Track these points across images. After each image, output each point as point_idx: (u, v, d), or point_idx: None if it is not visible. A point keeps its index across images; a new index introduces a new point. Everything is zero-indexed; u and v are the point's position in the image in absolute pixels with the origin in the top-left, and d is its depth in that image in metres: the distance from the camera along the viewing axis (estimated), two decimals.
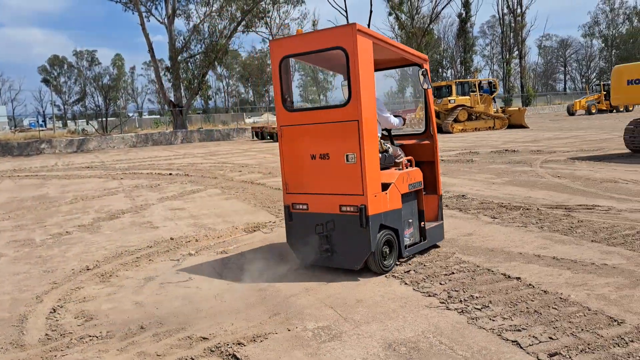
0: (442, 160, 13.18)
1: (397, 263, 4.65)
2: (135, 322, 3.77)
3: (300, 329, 3.47)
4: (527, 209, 6.63)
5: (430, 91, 5.12)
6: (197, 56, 35.04)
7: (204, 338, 3.42)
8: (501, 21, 61.75)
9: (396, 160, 4.89)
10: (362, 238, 4.16)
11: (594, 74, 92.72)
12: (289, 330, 3.47)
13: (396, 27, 53.01)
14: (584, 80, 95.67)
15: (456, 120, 27.14)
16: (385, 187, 4.34)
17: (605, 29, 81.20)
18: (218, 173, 13.32)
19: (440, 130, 27.09)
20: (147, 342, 3.43)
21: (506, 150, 14.74)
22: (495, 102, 29.63)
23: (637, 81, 11.03)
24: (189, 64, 35.21)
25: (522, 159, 12.30)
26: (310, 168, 4.32)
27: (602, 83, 39.80)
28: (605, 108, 38.54)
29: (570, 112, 38.91)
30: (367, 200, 4.10)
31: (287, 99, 4.47)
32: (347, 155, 4.13)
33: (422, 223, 4.79)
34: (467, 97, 28.02)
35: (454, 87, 28.07)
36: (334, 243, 4.32)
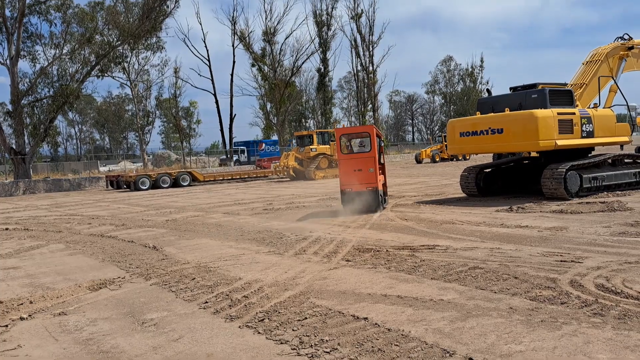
0: (303, 206, 13.51)
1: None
2: None
3: None
4: (378, 250, 6.98)
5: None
6: (45, 100, 32.32)
7: None
8: (355, 77, 66.68)
9: None
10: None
11: (437, 126, 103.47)
12: None
13: (259, 77, 54.52)
14: (428, 131, 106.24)
15: (318, 168, 28.15)
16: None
17: (444, 87, 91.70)
18: (64, 226, 12.16)
19: (303, 177, 27.85)
20: None
21: None
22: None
23: (467, 133, 12.27)
24: (35, 108, 32.31)
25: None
26: (354, 173, 11.24)
27: (443, 134, 44.37)
28: (446, 157, 42.70)
29: (418, 160, 42.51)
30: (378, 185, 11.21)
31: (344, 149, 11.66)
32: (369, 169, 11.15)
33: None
34: (328, 145, 29.27)
35: (315, 137, 29.18)
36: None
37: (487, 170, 13.53)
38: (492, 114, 12.12)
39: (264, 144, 52.03)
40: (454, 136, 12.65)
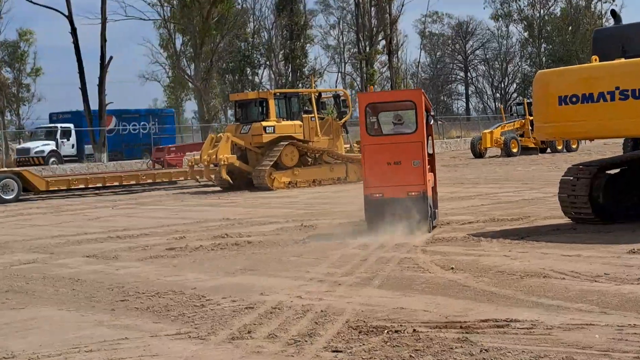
0: (248, 242, 13.65)
1: None
2: None
3: None
4: (397, 330, 7.01)
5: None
6: None
7: None
8: None
9: None
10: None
11: (513, 85, 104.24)
12: None
13: None
14: (497, 95, 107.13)
15: (278, 167, 28.18)
16: None
17: (528, 8, 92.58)
18: None
19: (249, 184, 27.95)
20: None
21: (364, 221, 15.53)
22: (347, 132, 31.46)
23: (574, 99, 12.39)
24: None
25: (393, 237, 13.00)
26: (389, 169, 13.22)
27: (526, 101, 44.48)
28: (534, 145, 42.92)
29: (477, 152, 43.15)
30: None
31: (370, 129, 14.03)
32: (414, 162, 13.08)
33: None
34: (298, 121, 29.52)
35: (272, 103, 29.38)
36: None
37: (613, 171, 13.65)
38: (624, 59, 12.21)
39: (113, 118, 51.69)
40: (548, 104, 12.81)
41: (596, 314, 7.34)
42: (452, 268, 10.02)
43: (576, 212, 13.40)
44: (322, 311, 8.00)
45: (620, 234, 12.17)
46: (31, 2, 49.37)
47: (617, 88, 12.00)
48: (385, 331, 7.04)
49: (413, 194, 12.87)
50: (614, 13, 13.63)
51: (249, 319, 7.87)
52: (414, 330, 7.03)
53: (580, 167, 13.60)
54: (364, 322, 7.44)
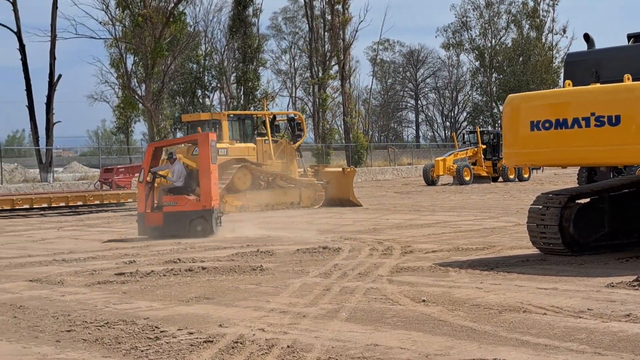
0: (202, 267, 13.32)
1: None
2: None
3: None
4: None
5: None
6: None
7: None
8: (308, 10, 66.89)
9: None
10: None
11: (463, 113, 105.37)
12: None
13: (112, 4, 53.71)
14: (447, 122, 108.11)
15: (231, 190, 27.69)
16: None
17: (479, 37, 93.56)
18: None
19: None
20: None
21: (324, 247, 15.43)
22: (300, 156, 31.20)
23: (547, 124, 12.27)
24: None
25: (355, 265, 12.88)
26: None
27: (479, 129, 44.93)
28: (486, 173, 43.35)
29: (430, 180, 43.22)
30: None
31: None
32: None
33: None
34: (251, 144, 29.21)
35: (225, 125, 29.10)
36: None
37: (583, 200, 13.58)
38: (597, 84, 12.21)
39: None
40: (519, 129, 12.77)
41: (589, 355, 6.97)
42: (424, 300, 9.68)
43: (545, 242, 13.25)
44: (288, 347, 7.56)
45: (592, 266, 12.09)
46: None
47: (593, 114, 11.96)
48: None
49: None
50: (586, 37, 13.58)
51: (208, 355, 7.42)
52: None
53: (550, 195, 13.48)
54: None
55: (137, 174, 37.31)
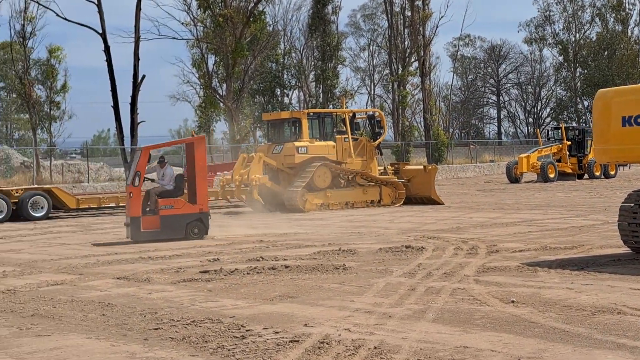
0: (284, 266, 13.32)
1: None
2: None
3: None
4: None
5: None
6: None
7: None
8: (388, 6, 66.55)
9: None
10: None
11: (547, 109, 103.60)
12: None
13: (193, 4, 54.23)
14: (529, 118, 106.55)
15: (311, 188, 27.68)
16: None
17: (563, 32, 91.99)
18: None
19: (281, 206, 27.64)
20: None
21: (407, 246, 15.24)
22: (381, 153, 31.02)
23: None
24: None
25: (439, 264, 12.75)
26: None
27: (563, 125, 44.13)
28: (571, 170, 42.59)
29: (513, 177, 42.60)
30: None
31: None
32: None
33: None
34: (331, 142, 29.14)
35: (305, 123, 29.05)
36: None
37: None
38: None
39: None
40: (610, 125, 12.50)
41: None
42: (513, 301, 9.51)
43: (637, 241, 12.89)
44: (375, 347, 7.48)
45: None
46: (66, 19, 49.36)
47: None
48: None
49: None
50: None
51: (295, 355, 7.39)
52: None
53: None
54: None
55: (219, 173, 37.73)
